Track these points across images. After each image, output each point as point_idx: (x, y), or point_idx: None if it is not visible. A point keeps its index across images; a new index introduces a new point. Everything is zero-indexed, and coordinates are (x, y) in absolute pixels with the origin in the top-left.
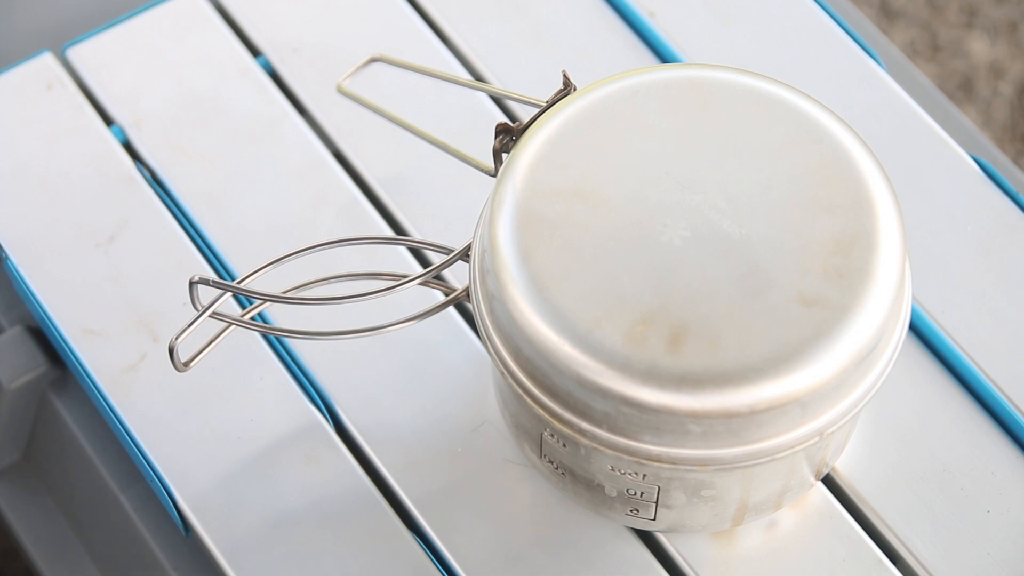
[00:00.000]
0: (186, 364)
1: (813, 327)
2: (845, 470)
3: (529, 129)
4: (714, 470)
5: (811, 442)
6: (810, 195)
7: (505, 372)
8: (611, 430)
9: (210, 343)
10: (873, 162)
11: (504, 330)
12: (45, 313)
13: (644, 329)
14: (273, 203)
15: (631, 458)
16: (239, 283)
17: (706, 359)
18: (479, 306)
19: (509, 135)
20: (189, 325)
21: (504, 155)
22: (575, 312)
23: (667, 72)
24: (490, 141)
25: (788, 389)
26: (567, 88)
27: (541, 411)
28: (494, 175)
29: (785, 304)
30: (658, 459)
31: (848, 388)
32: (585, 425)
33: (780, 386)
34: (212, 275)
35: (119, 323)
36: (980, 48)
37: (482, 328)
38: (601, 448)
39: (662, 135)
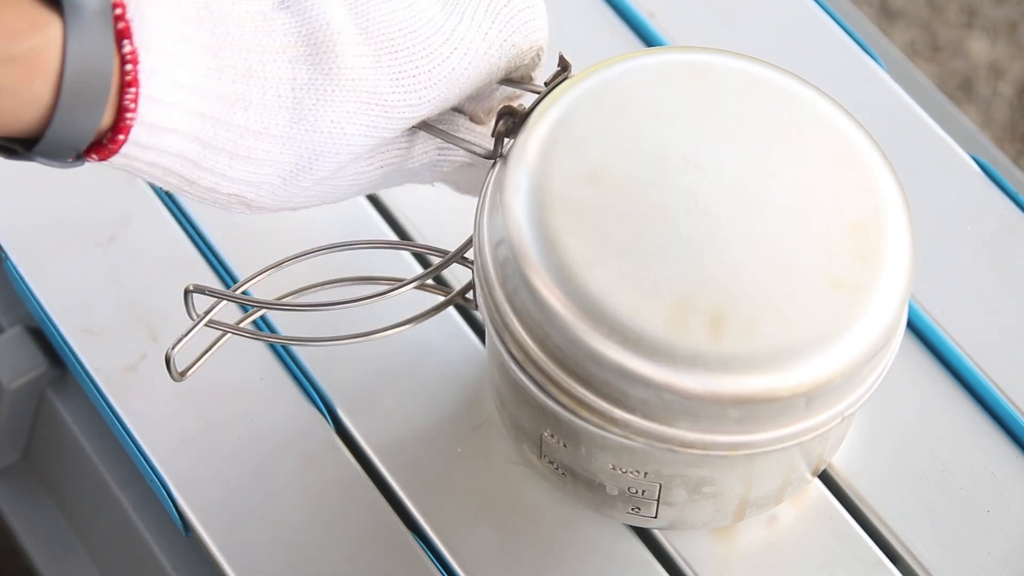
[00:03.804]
0: (183, 373)
1: (845, 309)
2: (845, 470)
3: (534, 112)
4: (725, 463)
5: (832, 425)
6: (827, 179)
7: (527, 365)
8: (646, 416)
9: (206, 351)
10: (877, 151)
11: (530, 321)
12: (45, 313)
13: (683, 315)
14: None
15: (663, 445)
16: (234, 290)
17: (747, 344)
18: (489, 301)
19: (513, 118)
20: (185, 335)
21: (506, 139)
22: (612, 299)
23: (673, 55)
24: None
25: (825, 371)
26: (565, 70)
27: (569, 400)
28: (493, 159)
29: (815, 287)
30: (691, 445)
31: (871, 368)
32: (619, 413)
33: (817, 368)
34: (211, 277)
35: (119, 323)
36: (980, 48)
37: (492, 324)
38: (632, 436)
39: (671, 115)
